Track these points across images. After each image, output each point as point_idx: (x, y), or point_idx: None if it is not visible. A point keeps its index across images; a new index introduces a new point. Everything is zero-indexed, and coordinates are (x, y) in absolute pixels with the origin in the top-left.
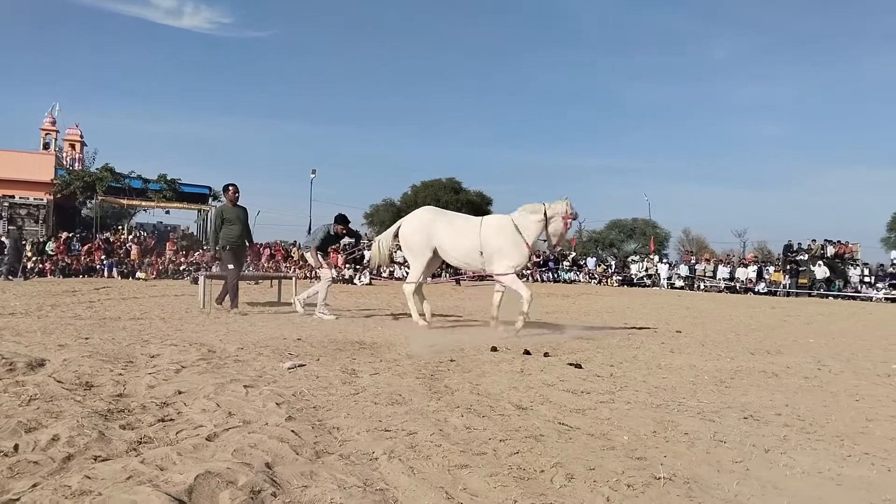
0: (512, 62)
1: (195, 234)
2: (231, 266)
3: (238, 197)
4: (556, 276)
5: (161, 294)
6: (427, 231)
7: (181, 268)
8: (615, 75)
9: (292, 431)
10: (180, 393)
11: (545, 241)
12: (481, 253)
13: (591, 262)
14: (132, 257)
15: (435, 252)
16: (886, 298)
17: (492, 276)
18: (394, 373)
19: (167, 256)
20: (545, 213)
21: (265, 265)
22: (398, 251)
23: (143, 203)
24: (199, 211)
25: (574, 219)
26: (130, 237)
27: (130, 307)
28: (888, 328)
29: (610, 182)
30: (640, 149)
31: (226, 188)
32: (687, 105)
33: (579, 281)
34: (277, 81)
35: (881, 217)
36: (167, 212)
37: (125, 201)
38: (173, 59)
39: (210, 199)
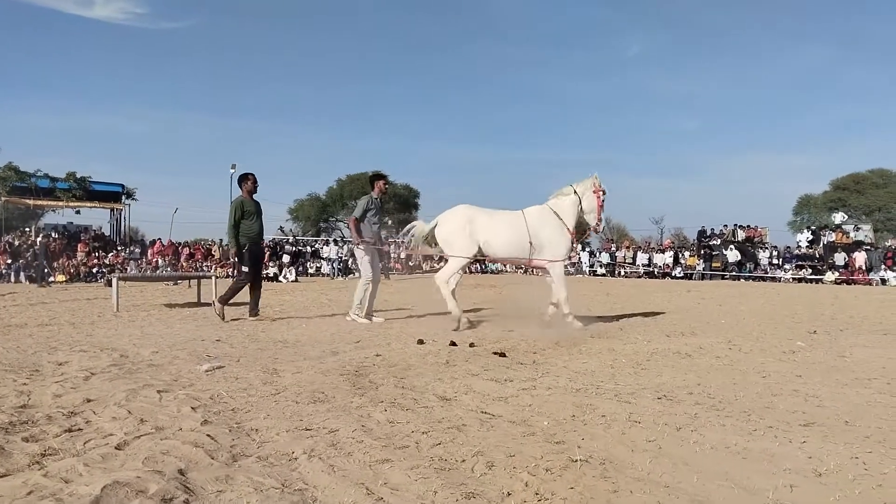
0: (437, 55)
1: (108, 234)
2: (246, 269)
3: (257, 188)
4: (483, 266)
5: (72, 298)
6: (470, 229)
7: (94, 270)
8: (537, 69)
9: (208, 436)
10: (89, 401)
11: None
12: (531, 244)
13: None
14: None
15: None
16: (793, 278)
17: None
18: (317, 370)
19: (79, 259)
20: (576, 192)
21: (184, 265)
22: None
23: (52, 203)
24: (112, 210)
25: (604, 193)
26: (38, 239)
27: (38, 313)
28: (794, 307)
29: (533, 173)
30: (561, 141)
31: (244, 177)
32: (604, 98)
33: (506, 271)
34: (193, 74)
35: (788, 202)
36: (77, 212)
37: (31, 201)
38: (82, 50)
39: (123, 198)
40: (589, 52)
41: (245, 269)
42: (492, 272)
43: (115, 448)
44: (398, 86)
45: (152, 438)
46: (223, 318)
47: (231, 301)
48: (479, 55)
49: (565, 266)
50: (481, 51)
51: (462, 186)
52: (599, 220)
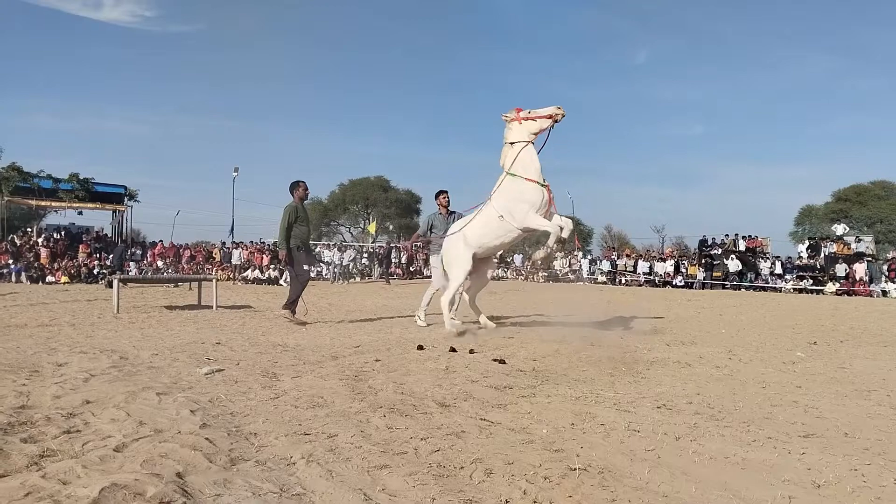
0: (445, 62)
1: (110, 235)
2: (306, 267)
3: (307, 195)
4: None
5: (73, 299)
6: (462, 246)
7: (95, 271)
8: (542, 75)
9: (206, 439)
10: (88, 403)
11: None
12: (501, 217)
13: (517, 258)
14: (42, 261)
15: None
16: (794, 289)
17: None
18: (316, 375)
19: (80, 259)
20: (511, 144)
21: (185, 267)
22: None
23: (54, 204)
24: (115, 212)
25: (518, 110)
26: (40, 240)
27: (39, 313)
28: (795, 317)
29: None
30: (566, 148)
31: (296, 185)
32: (609, 105)
33: (507, 277)
34: (198, 76)
35: (790, 212)
36: (80, 213)
37: (34, 202)
38: (89, 52)
39: (126, 199)
40: (594, 60)
41: (306, 267)
42: (492, 279)
43: (114, 450)
44: (404, 91)
45: (151, 441)
46: (304, 323)
47: (227, 306)
48: (484, 62)
49: (569, 273)
50: (487, 57)
51: (464, 193)
52: (547, 116)
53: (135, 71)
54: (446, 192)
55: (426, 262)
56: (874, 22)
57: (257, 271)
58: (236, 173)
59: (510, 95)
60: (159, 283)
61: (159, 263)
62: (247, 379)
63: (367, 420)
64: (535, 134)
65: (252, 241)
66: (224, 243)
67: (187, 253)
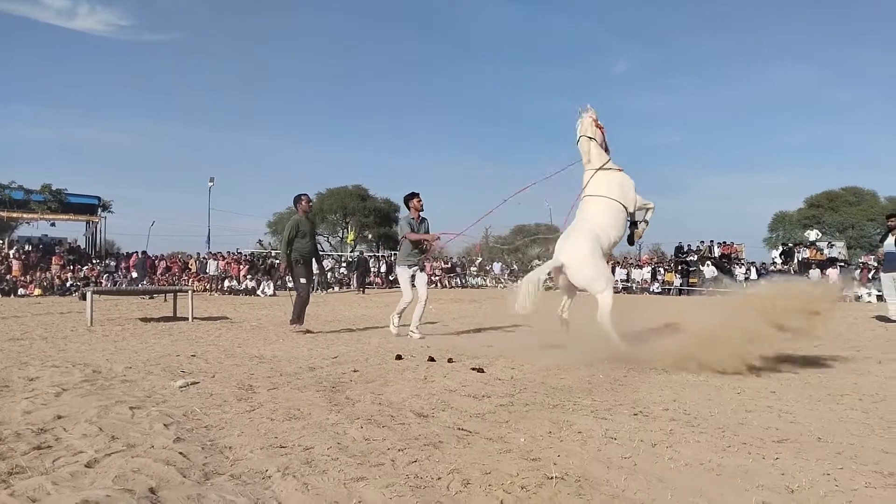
0: (422, 72)
1: (84, 247)
2: (303, 280)
3: (311, 209)
4: (463, 281)
5: (45, 312)
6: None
7: (68, 283)
8: (520, 87)
9: (180, 453)
10: (60, 418)
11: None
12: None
13: (497, 266)
14: (14, 273)
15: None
16: None
17: None
18: (293, 387)
19: (53, 272)
20: (589, 138)
21: (160, 278)
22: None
23: (26, 215)
24: (88, 223)
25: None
26: (12, 252)
27: (10, 327)
28: None
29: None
30: (543, 158)
31: (299, 198)
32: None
33: (486, 286)
34: (175, 86)
35: (763, 218)
36: (52, 224)
37: (5, 214)
38: (62, 62)
39: (99, 210)
40: (573, 72)
41: (303, 280)
42: (472, 287)
43: (86, 466)
44: (380, 100)
45: (123, 456)
46: (311, 331)
47: (203, 317)
48: (462, 72)
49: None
50: (465, 68)
51: (441, 201)
52: (607, 149)
53: (109, 80)
54: (419, 194)
55: None
56: (846, 34)
57: (234, 282)
58: (212, 183)
59: (488, 106)
60: (134, 296)
61: (134, 275)
62: (222, 391)
63: (343, 432)
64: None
65: (229, 252)
66: (200, 254)
67: (163, 264)
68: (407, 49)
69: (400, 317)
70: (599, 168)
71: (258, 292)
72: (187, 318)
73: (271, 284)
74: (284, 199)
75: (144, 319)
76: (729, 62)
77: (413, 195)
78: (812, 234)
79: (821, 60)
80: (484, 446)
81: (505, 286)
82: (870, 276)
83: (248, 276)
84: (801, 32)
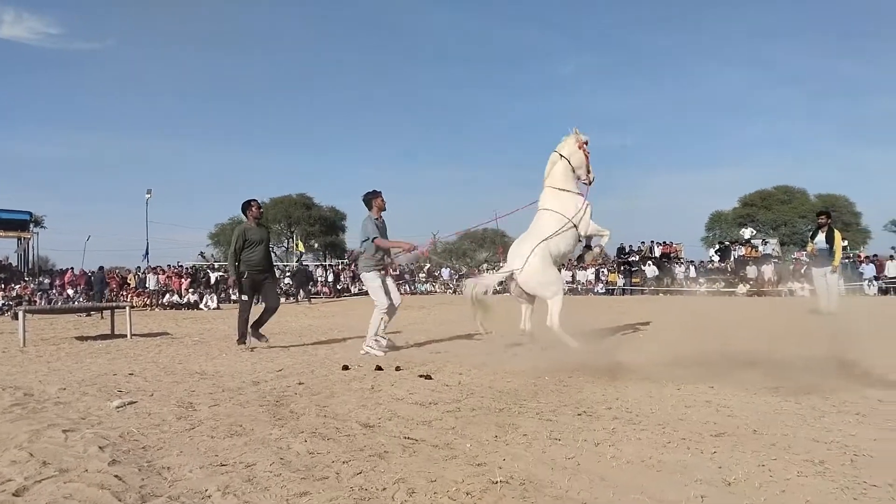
0: (366, 76)
1: (15, 264)
2: (245, 298)
3: (262, 215)
4: (412, 288)
5: None
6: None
7: (0, 303)
8: (467, 89)
9: (116, 476)
10: None
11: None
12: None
13: (445, 272)
14: None
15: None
16: (708, 292)
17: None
18: (235, 402)
19: None
20: (562, 156)
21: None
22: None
23: None
24: (20, 239)
25: (586, 142)
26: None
27: None
28: (708, 319)
29: (461, 193)
30: (488, 161)
31: (248, 205)
32: (534, 117)
33: (435, 292)
34: (109, 94)
35: (701, 218)
36: None
37: None
38: None
39: (31, 226)
40: (520, 73)
41: (245, 297)
42: (421, 293)
43: (13, 495)
44: (324, 106)
45: (55, 482)
46: (252, 346)
47: (142, 334)
48: (408, 76)
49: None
50: (411, 71)
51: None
52: (589, 171)
53: (38, 91)
54: (382, 193)
55: (354, 279)
56: (777, 35)
57: (175, 296)
58: (149, 195)
59: (433, 110)
60: (69, 313)
61: (69, 292)
62: (161, 410)
63: (287, 446)
64: (574, 168)
65: (169, 265)
66: (139, 268)
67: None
68: (350, 53)
69: (384, 331)
70: (555, 188)
71: (201, 306)
72: (126, 336)
73: (214, 298)
74: (226, 209)
75: (81, 338)
76: (665, 64)
77: (375, 194)
78: (747, 232)
79: (752, 61)
80: (430, 454)
81: (455, 292)
82: (802, 271)
83: (191, 290)
84: (734, 34)
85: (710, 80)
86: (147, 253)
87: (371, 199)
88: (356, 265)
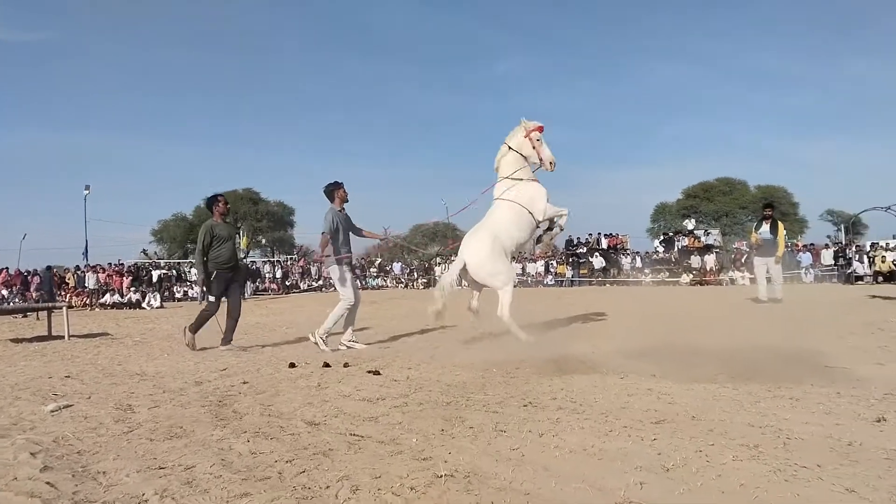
0: (307, 69)
1: None
2: (213, 299)
3: (229, 211)
4: (364, 283)
5: None
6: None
7: None
8: (407, 84)
9: (47, 483)
10: None
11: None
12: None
13: (396, 267)
14: None
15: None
16: (653, 282)
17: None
18: (176, 403)
19: None
20: (511, 147)
21: (33, 294)
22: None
23: None
24: None
25: (538, 129)
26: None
27: None
28: (652, 309)
29: (409, 188)
30: (436, 156)
31: (214, 200)
32: (473, 114)
33: (387, 286)
34: (45, 89)
35: (646, 210)
36: None
37: None
38: None
39: None
40: (457, 69)
41: (212, 298)
42: (373, 288)
43: None
44: (268, 99)
45: None
46: (193, 348)
47: (81, 335)
48: (349, 69)
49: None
50: (352, 65)
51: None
52: (541, 158)
53: None
54: (343, 184)
55: (303, 275)
56: (715, 34)
57: (117, 295)
58: (88, 191)
59: (373, 103)
60: (3, 315)
61: (4, 292)
62: (98, 413)
63: (229, 447)
64: (525, 157)
65: (110, 263)
66: (78, 267)
67: (36, 279)
68: (290, 45)
69: (352, 325)
70: (508, 177)
71: (143, 305)
72: (63, 337)
73: (157, 296)
74: (170, 205)
75: (16, 340)
76: (611, 61)
77: (337, 185)
78: (690, 223)
79: (697, 58)
80: (375, 450)
81: (406, 286)
82: (743, 259)
83: (132, 289)
84: (678, 32)
85: (649, 77)
86: (86, 251)
87: (332, 190)
88: (306, 260)
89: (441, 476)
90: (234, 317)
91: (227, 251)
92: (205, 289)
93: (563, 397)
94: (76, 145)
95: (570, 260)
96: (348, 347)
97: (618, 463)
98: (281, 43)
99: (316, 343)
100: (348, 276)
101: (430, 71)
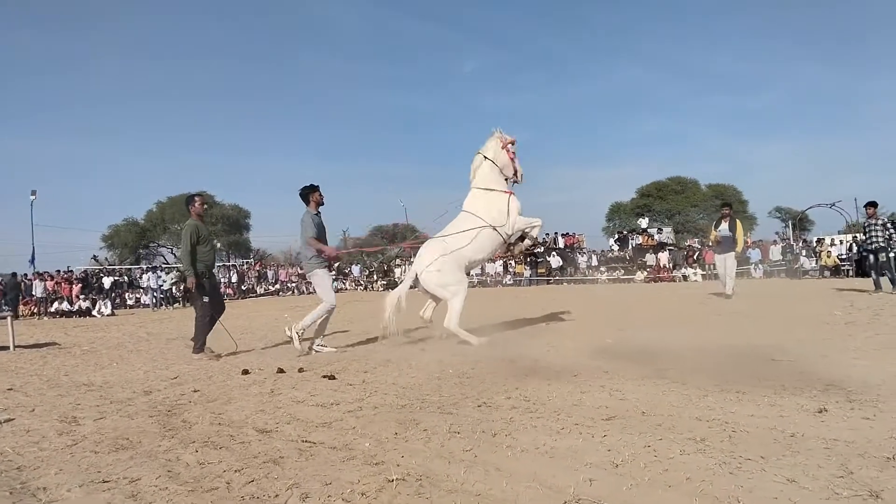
0: (267, 68)
1: None
2: (206, 299)
3: (206, 211)
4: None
5: None
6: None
7: None
8: (370, 83)
9: None
10: None
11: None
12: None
13: (355, 269)
14: None
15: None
16: (609, 279)
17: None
18: (123, 414)
19: None
20: (486, 158)
21: None
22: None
23: None
24: None
25: (512, 143)
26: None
27: None
28: (607, 307)
29: (369, 189)
30: (396, 155)
31: (192, 200)
32: (436, 114)
33: (346, 289)
34: None
35: (601, 209)
36: None
37: None
38: None
39: None
40: (422, 69)
41: (205, 298)
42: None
43: None
44: (221, 100)
45: None
46: (218, 358)
47: (27, 345)
48: (310, 70)
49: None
50: (313, 65)
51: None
52: (516, 170)
53: None
54: (319, 187)
55: (259, 279)
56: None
57: (66, 303)
58: (34, 196)
59: (336, 104)
60: None
61: None
62: (41, 427)
63: (176, 458)
64: (500, 168)
65: (58, 271)
66: (25, 275)
67: None
68: (242, 44)
69: (323, 331)
70: (480, 188)
71: (94, 313)
72: (8, 347)
73: (108, 304)
74: (121, 209)
75: None
76: (569, 62)
77: (312, 188)
78: (643, 222)
79: (650, 60)
80: (327, 456)
81: (366, 288)
82: (695, 256)
83: (82, 296)
84: (636, 33)
85: (611, 78)
86: (33, 258)
87: (308, 193)
88: (263, 264)
89: (392, 480)
90: (219, 314)
91: (210, 252)
92: (196, 291)
93: (517, 396)
94: (21, 150)
95: (528, 259)
96: (317, 351)
97: (568, 460)
98: (232, 41)
99: (290, 339)
100: (329, 279)
101: (387, 68)
